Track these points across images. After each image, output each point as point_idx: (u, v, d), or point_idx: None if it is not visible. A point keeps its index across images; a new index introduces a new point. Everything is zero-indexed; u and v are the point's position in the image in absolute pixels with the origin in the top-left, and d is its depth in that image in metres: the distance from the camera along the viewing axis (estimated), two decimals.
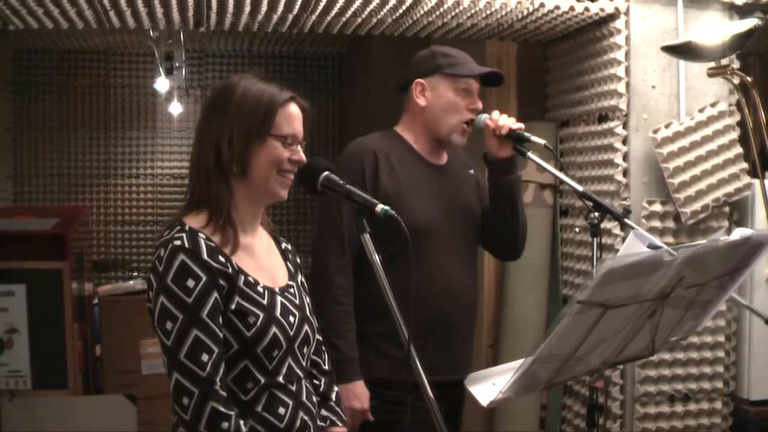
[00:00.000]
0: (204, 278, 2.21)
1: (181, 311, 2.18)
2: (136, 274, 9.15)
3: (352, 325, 3.28)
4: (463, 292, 3.41)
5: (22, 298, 5.11)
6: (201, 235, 2.27)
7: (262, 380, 2.28)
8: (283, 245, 2.58)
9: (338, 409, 2.60)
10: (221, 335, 2.22)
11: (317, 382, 2.57)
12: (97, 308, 6.17)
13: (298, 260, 2.61)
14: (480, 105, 3.39)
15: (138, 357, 5.66)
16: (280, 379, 2.32)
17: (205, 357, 2.17)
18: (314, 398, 2.45)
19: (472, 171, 3.57)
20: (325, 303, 3.22)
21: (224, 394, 2.19)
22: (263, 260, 2.42)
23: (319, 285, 3.27)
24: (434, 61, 3.38)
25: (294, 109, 2.39)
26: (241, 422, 2.21)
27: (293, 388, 2.35)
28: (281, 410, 2.31)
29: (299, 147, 2.39)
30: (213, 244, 2.27)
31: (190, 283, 2.20)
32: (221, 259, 2.26)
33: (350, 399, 3.21)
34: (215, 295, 2.22)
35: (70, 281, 5.24)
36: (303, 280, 2.57)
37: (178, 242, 2.24)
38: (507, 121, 3.28)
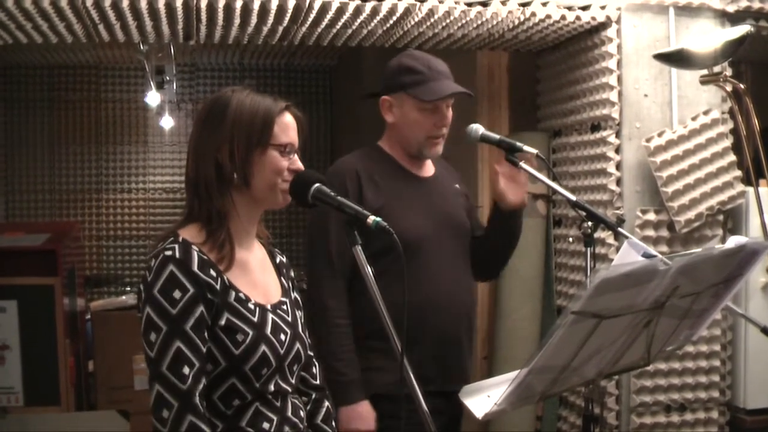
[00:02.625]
0: (191, 290, 2.19)
1: (165, 322, 2.17)
2: (128, 288, 9.11)
3: (351, 346, 3.22)
4: (458, 302, 3.36)
5: (14, 314, 5.10)
6: (195, 247, 2.25)
7: (249, 397, 2.26)
8: (278, 259, 2.56)
9: (325, 427, 2.57)
10: (204, 349, 2.19)
11: (305, 399, 2.54)
12: (90, 324, 6.16)
13: (292, 274, 2.59)
14: (448, 120, 3.32)
15: (131, 372, 5.64)
16: (266, 395, 2.29)
17: (186, 370, 2.15)
18: (301, 413, 2.41)
19: (458, 185, 3.54)
20: (321, 326, 3.18)
21: (203, 410, 2.16)
22: (257, 276, 2.40)
23: (314, 308, 3.23)
24: (399, 78, 3.29)
25: (289, 118, 2.38)
26: None
27: (278, 403, 2.32)
28: (266, 425, 2.28)
29: (296, 156, 2.38)
30: (206, 258, 2.25)
31: (177, 294, 2.18)
32: (212, 273, 2.24)
33: (354, 421, 3.15)
34: (201, 308, 2.20)
35: (62, 297, 5.22)
36: (297, 296, 2.55)
37: (169, 252, 2.22)
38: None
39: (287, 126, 2.37)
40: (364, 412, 3.18)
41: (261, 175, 2.33)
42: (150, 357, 2.18)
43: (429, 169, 3.46)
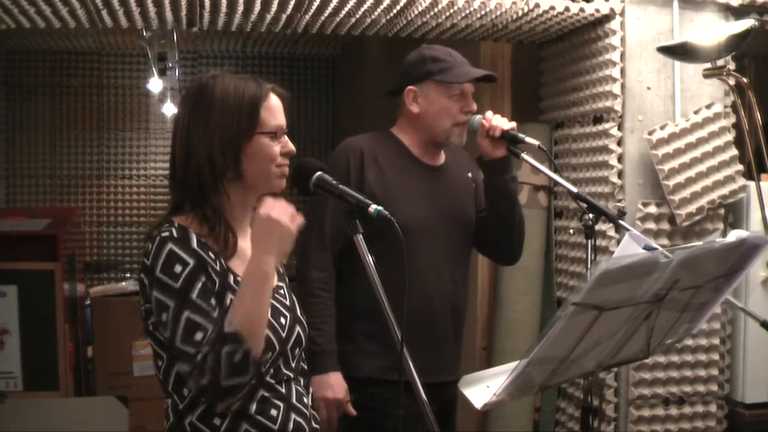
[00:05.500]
0: (191, 263, 2.19)
1: (171, 298, 2.16)
2: (128, 275, 9.11)
3: (330, 319, 3.26)
4: (447, 294, 3.38)
5: (14, 299, 5.09)
6: (192, 232, 2.24)
7: (254, 382, 2.25)
8: None
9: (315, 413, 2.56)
10: (215, 314, 2.17)
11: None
12: (89, 309, 6.15)
13: (285, 260, 2.58)
14: (474, 107, 3.36)
15: (130, 358, 5.64)
16: (268, 378, 2.28)
17: (198, 336, 2.14)
18: (305, 399, 2.41)
19: (470, 174, 3.54)
20: (301, 296, 3.20)
21: None
22: None
23: (298, 278, 3.27)
24: (424, 67, 3.33)
25: (275, 100, 2.36)
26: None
27: (282, 389, 2.32)
28: (273, 412, 2.28)
29: (286, 137, 2.36)
30: (204, 241, 2.24)
31: (177, 268, 2.18)
32: (211, 255, 2.24)
33: (324, 389, 3.19)
34: (204, 278, 2.20)
35: (62, 282, 5.22)
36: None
37: (166, 233, 2.23)
38: (500, 122, 3.26)
39: (274, 109, 2.35)
40: (334, 382, 3.23)
41: (254, 164, 2.31)
42: (165, 338, 2.18)
43: (440, 158, 3.47)
